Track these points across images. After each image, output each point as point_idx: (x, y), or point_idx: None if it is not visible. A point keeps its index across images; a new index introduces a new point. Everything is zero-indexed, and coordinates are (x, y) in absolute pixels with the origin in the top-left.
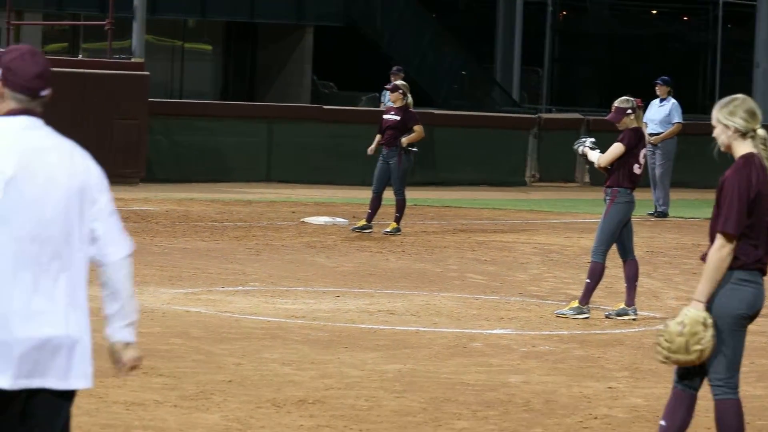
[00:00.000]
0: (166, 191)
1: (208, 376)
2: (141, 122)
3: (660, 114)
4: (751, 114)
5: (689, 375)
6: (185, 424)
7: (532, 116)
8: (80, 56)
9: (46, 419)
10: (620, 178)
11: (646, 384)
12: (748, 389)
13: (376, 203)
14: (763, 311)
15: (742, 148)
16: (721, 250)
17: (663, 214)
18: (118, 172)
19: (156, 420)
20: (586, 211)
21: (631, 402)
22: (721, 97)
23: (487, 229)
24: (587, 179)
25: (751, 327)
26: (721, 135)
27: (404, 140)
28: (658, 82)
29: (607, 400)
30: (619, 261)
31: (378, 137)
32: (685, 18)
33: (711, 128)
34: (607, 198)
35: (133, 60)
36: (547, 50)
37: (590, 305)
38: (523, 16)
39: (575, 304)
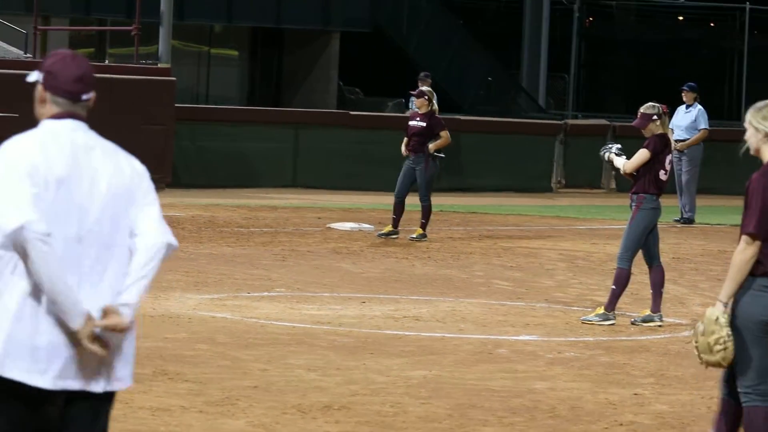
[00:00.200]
0: (192, 197)
1: (234, 381)
2: (167, 128)
3: (686, 120)
4: None
5: (731, 384)
6: (211, 430)
7: (559, 122)
8: (107, 61)
9: (87, 422)
10: (646, 184)
11: (672, 391)
12: None
13: (399, 208)
14: None
15: None
16: (744, 252)
17: (689, 221)
18: None
19: (182, 426)
20: (612, 218)
21: (657, 409)
22: (748, 104)
23: (513, 235)
24: (613, 185)
25: None
26: (751, 138)
27: (431, 146)
28: (685, 88)
29: (632, 407)
30: (645, 267)
31: (405, 140)
32: (712, 24)
33: (738, 134)
34: (633, 204)
35: (159, 65)
36: (573, 56)
37: (616, 312)
38: (550, 23)
39: (601, 310)
